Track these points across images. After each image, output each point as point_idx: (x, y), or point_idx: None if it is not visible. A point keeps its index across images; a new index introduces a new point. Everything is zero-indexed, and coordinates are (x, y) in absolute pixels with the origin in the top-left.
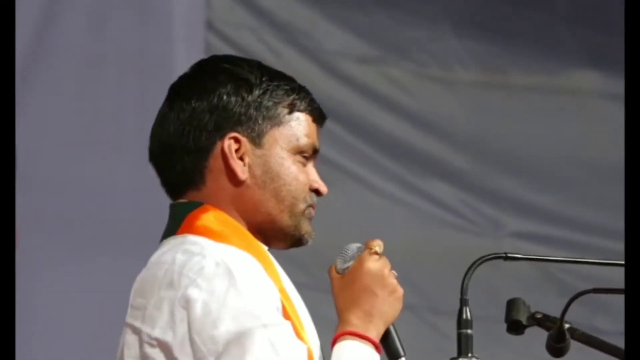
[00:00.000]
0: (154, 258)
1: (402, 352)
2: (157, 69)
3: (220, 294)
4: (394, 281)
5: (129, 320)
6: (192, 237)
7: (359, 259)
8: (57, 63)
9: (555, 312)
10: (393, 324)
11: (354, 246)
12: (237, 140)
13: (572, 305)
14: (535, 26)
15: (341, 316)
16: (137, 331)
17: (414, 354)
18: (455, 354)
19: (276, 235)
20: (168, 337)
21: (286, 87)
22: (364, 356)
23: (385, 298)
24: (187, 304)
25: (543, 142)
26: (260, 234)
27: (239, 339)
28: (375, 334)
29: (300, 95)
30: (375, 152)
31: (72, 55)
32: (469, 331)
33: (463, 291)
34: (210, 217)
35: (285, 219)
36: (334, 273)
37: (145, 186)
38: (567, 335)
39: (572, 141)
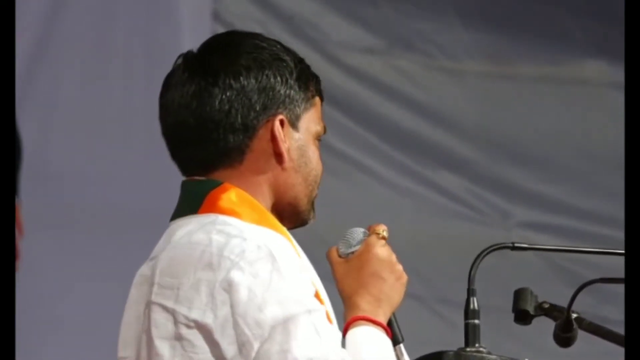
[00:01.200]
0: (179, 237)
1: (400, 338)
2: (164, 60)
3: (264, 278)
4: (400, 267)
5: (156, 298)
6: (223, 217)
7: (366, 243)
8: (64, 55)
9: (563, 302)
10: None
11: (359, 230)
12: (282, 123)
13: (580, 295)
14: (542, 17)
15: (349, 301)
16: (169, 311)
17: (421, 344)
18: (462, 344)
19: (290, 217)
20: (208, 320)
21: (309, 71)
22: (378, 341)
23: (393, 283)
24: (229, 286)
25: (551, 132)
26: (276, 214)
27: (285, 324)
28: (384, 319)
29: (317, 79)
30: (383, 142)
31: (79, 46)
32: (477, 321)
33: (470, 281)
34: (234, 197)
35: (304, 203)
36: (335, 257)
37: (153, 178)
38: (575, 325)
39: (579, 131)
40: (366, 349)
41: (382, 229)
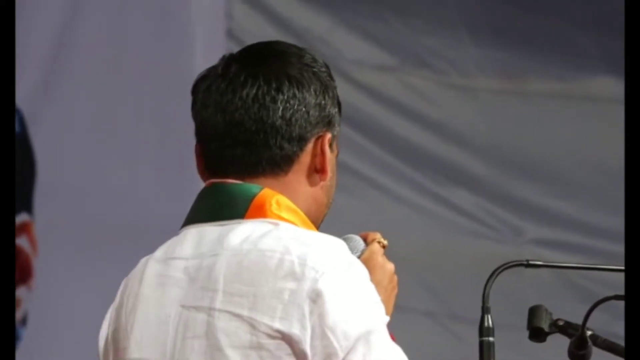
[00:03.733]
0: (238, 243)
1: None
2: (177, 77)
3: (351, 290)
4: (396, 278)
5: (223, 306)
6: (285, 225)
7: (370, 251)
8: (77, 72)
9: (577, 319)
10: None
11: (357, 237)
12: (329, 141)
13: (594, 312)
14: (553, 33)
15: None
16: (244, 319)
17: None
18: None
19: None
20: (295, 330)
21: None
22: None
23: (390, 294)
24: (317, 297)
25: (562, 148)
26: None
27: (367, 337)
28: None
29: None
30: (395, 159)
31: (92, 64)
32: (491, 339)
33: (485, 299)
34: (283, 204)
35: (318, 224)
36: None
37: (166, 193)
38: (589, 343)
39: (591, 147)
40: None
41: (381, 237)
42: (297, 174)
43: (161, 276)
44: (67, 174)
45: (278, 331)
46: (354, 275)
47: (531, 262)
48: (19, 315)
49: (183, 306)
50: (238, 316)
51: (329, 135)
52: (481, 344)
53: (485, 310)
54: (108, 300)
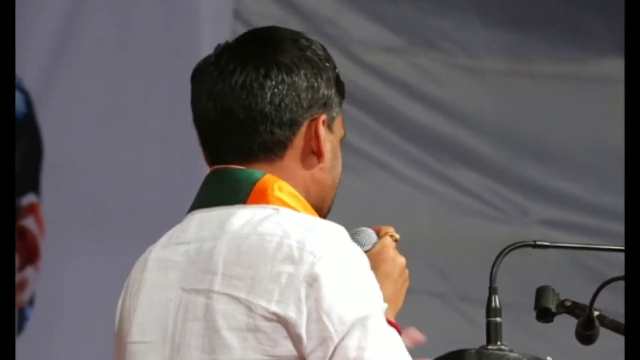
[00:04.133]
0: (238, 227)
1: None
2: (184, 58)
3: (348, 275)
4: (407, 271)
5: (222, 289)
6: (285, 210)
7: (382, 245)
8: (85, 53)
9: (584, 300)
10: None
11: (369, 231)
12: (324, 123)
13: (602, 293)
14: (562, 14)
15: None
16: (241, 301)
17: (443, 342)
18: (484, 342)
19: None
20: (291, 313)
21: (339, 76)
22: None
23: (401, 287)
24: (314, 281)
25: (571, 129)
26: None
27: (364, 321)
28: (393, 320)
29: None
30: (403, 140)
31: (100, 45)
32: (498, 319)
33: (492, 279)
34: (284, 189)
35: (326, 207)
36: None
37: (176, 175)
38: (597, 323)
39: (600, 129)
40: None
41: (393, 231)
42: (293, 158)
43: (163, 260)
44: (75, 155)
45: (274, 314)
46: (352, 261)
47: (538, 243)
48: (26, 296)
49: (183, 289)
50: (236, 299)
51: (323, 117)
52: (488, 324)
53: (492, 290)
54: (114, 281)
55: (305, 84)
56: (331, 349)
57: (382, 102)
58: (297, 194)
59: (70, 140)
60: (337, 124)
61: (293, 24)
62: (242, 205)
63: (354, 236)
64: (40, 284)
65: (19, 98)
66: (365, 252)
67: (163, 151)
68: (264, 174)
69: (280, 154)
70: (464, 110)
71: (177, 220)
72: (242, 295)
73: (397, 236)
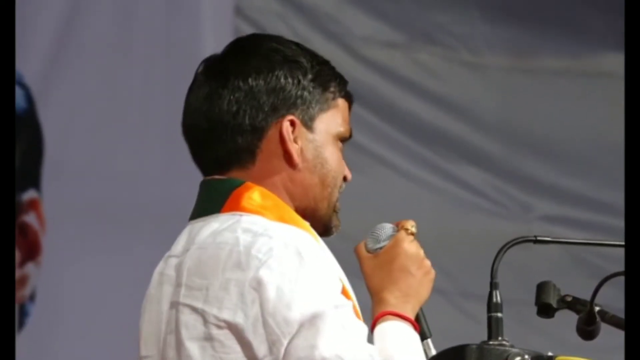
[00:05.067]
0: (204, 237)
1: (428, 333)
2: (185, 55)
3: (291, 276)
4: (428, 263)
5: (184, 300)
6: (247, 217)
7: (395, 239)
8: (86, 50)
9: (586, 295)
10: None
11: (388, 226)
12: (292, 123)
13: (603, 288)
14: (563, 9)
15: (377, 296)
16: (198, 312)
17: (444, 338)
18: (485, 338)
19: (312, 223)
20: (239, 319)
21: (330, 72)
22: (406, 336)
23: (421, 279)
24: (258, 285)
25: (572, 125)
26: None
27: (312, 321)
28: (412, 314)
29: (341, 81)
30: (404, 136)
31: (100, 41)
32: (499, 315)
33: (493, 274)
34: (257, 196)
35: (324, 206)
36: (363, 252)
37: (177, 172)
38: (598, 318)
39: (601, 124)
40: (394, 344)
41: (411, 225)
42: (266, 163)
43: (161, 274)
44: (76, 151)
45: (224, 321)
46: (297, 262)
47: (540, 238)
48: (27, 291)
49: (171, 302)
50: (195, 309)
51: (289, 118)
52: (489, 319)
53: (493, 286)
54: (114, 277)
55: (265, 87)
56: (282, 351)
57: (383, 98)
58: (274, 198)
59: (71, 135)
60: (327, 121)
61: (294, 20)
62: (216, 215)
63: (373, 233)
64: (41, 280)
65: (19, 93)
66: (382, 247)
67: (163, 148)
68: (242, 182)
69: (251, 161)
70: (465, 106)
71: (177, 216)
72: (199, 305)
73: (413, 230)
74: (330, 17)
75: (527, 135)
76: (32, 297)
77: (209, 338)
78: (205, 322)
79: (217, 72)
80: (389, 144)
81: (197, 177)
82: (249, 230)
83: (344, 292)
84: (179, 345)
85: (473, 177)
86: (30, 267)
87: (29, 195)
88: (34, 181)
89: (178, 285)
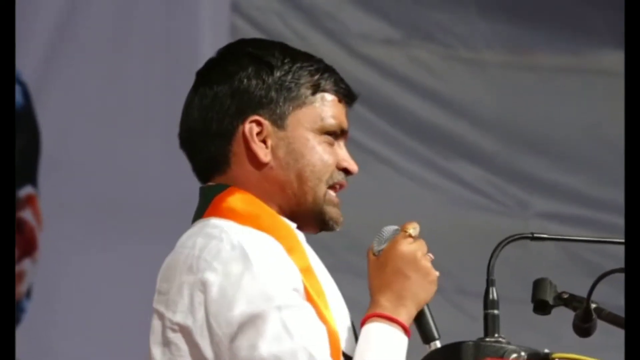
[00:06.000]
0: (179, 242)
1: (436, 335)
2: (183, 51)
3: (235, 277)
4: (427, 264)
5: (155, 305)
6: (214, 221)
7: (392, 241)
8: (84, 46)
9: (582, 292)
10: (428, 307)
11: (391, 228)
12: (259, 123)
13: (599, 285)
14: (561, 6)
15: (372, 298)
16: (161, 316)
17: (441, 335)
18: (482, 335)
19: (303, 219)
20: (189, 322)
21: (310, 68)
22: (391, 339)
23: (418, 281)
24: (204, 287)
25: (570, 122)
26: (290, 216)
27: (253, 321)
28: (406, 317)
29: (324, 75)
30: (402, 134)
31: (98, 37)
32: (496, 311)
33: (489, 271)
34: (236, 199)
35: (309, 200)
36: (370, 255)
37: (175, 169)
38: (594, 315)
39: (599, 122)
40: (374, 347)
41: (412, 227)
42: (240, 166)
43: None
44: (73, 147)
45: (177, 324)
46: (241, 264)
47: (536, 235)
48: (23, 288)
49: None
50: (159, 313)
51: (253, 118)
52: (486, 316)
53: (490, 282)
54: (111, 275)
55: (229, 91)
56: (225, 352)
57: (381, 96)
58: (254, 200)
59: (68, 132)
60: (302, 117)
61: (292, 17)
62: (199, 221)
63: (378, 234)
64: (38, 276)
65: (17, 90)
66: (381, 250)
67: (162, 144)
68: (226, 187)
69: (228, 165)
70: (464, 103)
71: (175, 213)
72: (162, 309)
73: (412, 232)
74: (329, 15)
75: (525, 133)
76: (28, 294)
77: (167, 342)
78: (164, 326)
79: (195, 81)
80: (386, 142)
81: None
82: (207, 235)
83: (306, 292)
84: (149, 350)
85: (470, 174)
86: (26, 264)
87: (25, 191)
88: (31, 177)
89: (155, 290)
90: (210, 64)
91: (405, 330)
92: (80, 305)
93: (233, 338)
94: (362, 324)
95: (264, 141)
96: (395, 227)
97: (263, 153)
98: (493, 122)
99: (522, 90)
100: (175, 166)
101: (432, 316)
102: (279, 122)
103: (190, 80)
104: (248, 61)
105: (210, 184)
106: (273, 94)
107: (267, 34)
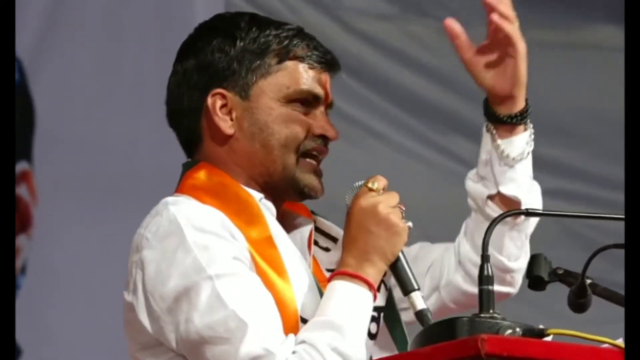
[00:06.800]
0: None
1: (415, 286)
2: (177, 27)
3: (169, 252)
4: (390, 216)
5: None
6: (167, 198)
7: (355, 197)
8: (78, 20)
9: (577, 268)
10: (405, 258)
11: (359, 184)
12: (222, 96)
13: (594, 261)
14: None
15: (341, 256)
16: (123, 297)
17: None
18: (476, 311)
19: (278, 188)
20: (134, 301)
21: (278, 36)
22: (350, 295)
23: (380, 234)
24: (142, 265)
25: (565, 97)
26: (265, 185)
27: (187, 294)
28: (373, 271)
29: (294, 42)
30: (396, 108)
31: (92, 13)
32: (491, 287)
33: (484, 247)
34: (199, 175)
35: (279, 170)
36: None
37: (166, 145)
38: (589, 291)
39: (594, 96)
40: (329, 304)
41: (373, 181)
42: (210, 140)
43: None
44: (67, 123)
45: (128, 303)
46: (176, 238)
47: (531, 211)
48: (18, 263)
49: None
50: (124, 294)
51: (214, 92)
52: (481, 292)
53: (484, 258)
54: (106, 250)
55: (195, 66)
56: (165, 327)
57: (376, 70)
58: (217, 174)
59: (62, 108)
60: (268, 87)
61: None
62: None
63: (348, 190)
64: (32, 252)
65: None
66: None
67: (156, 120)
68: (196, 162)
69: (200, 139)
70: (458, 78)
71: (169, 188)
72: (124, 291)
73: (373, 185)
74: None
75: None
76: (23, 270)
77: (127, 321)
78: (124, 305)
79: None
80: (381, 117)
81: None
82: (154, 212)
83: (254, 261)
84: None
85: (464, 150)
86: (21, 239)
87: (20, 167)
88: (26, 153)
89: None
90: (184, 42)
91: (370, 286)
92: (75, 281)
93: (170, 312)
94: (327, 282)
95: (229, 113)
96: (359, 183)
97: (226, 125)
98: None
99: None
100: (168, 142)
101: (410, 268)
102: (242, 93)
103: None
104: (214, 35)
105: (188, 160)
106: (235, 65)
107: (261, 8)
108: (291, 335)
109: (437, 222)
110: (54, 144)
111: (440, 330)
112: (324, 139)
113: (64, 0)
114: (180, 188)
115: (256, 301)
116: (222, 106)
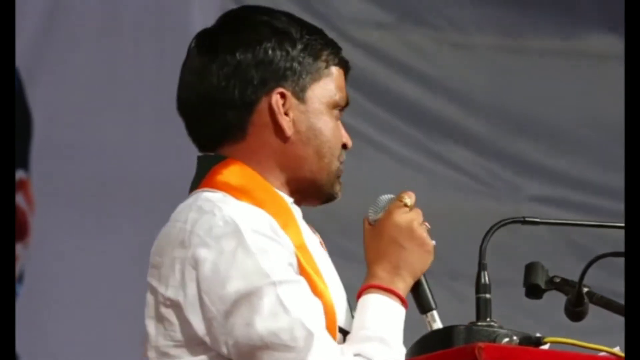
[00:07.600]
0: (174, 213)
1: (433, 305)
2: (173, 28)
3: (228, 253)
4: (423, 233)
5: (148, 278)
6: (206, 194)
7: (387, 210)
8: (74, 27)
9: (574, 276)
10: (425, 277)
11: (386, 197)
12: (283, 96)
13: (591, 269)
14: None
15: (369, 269)
16: (154, 291)
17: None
18: (473, 319)
19: (312, 193)
20: (180, 297)
21: (322, 41)
22: (388, 309)
23: (414, 250)
24: (196, 263)
25: (561, 105)
26: (297, 190)
27: (248, 298)
28: (403, 286)
29: (334, 49)
30: (393, 117)
31: (89, 19)
32: (488, 295)
33: (481, 255)
34: (231, 172)
35: (324, 177)
36: (366, 224)
37: (164, 148)
38: (586, 299)
39: (590, 104)
40: (370, 317)
41: (407, 196)
42: (257, 137)
43: None
44: (64, 131)
45: (169, 299)
46: (234, 240)
47: (528, 219)
48: (15, 272)
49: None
50: (151, 287)
51: (279, 90)
52: (478, 300)
53: (482, 266)
54: (103, 258)
55: (253, 61)
56: (219, 329)
57: (372, 79)
58: (250, 173)
59: (59, 116)
60: (320, 91)
61: (283, 0)
62: (195, 192)
63: (374, 204)
64: (30, 261)
65: None
66: (377, 219)
67: (154, 127)
68: (225, 158)
69: (242, 135)
70: (455, 87)
71: (167, 195)
72: (154, 283)
73: (407, 201)
74: None
75: (515, 116)
76: (20, 278)
77: (160, 316)
78: (157, 300)
79: (208, 46)
80: (377, 125)
81: (187, 154)
82: (200, 208)
83: (301, 267)
84: (144, 323)
85: (462, 158)
86: (18, 248)
87: (17, 175)
88: (23, 162)
89: (149, 263)
90: (224, 31)
91: (402, 301)
92: (72, 289)
93: (227, 315)
94: (359, 295)
95: (286, 114)
96: (391, 195)
97: (287, 126)
98: (484, 105)
99: (512, 74)
100: (167, 148)
101: (429, 286)
102: (300, 95)
103: (180, 60)
104: (269, 31)
105: (209, 154)
106: (296, 66)
107: None
108: (343, 347)
109: (434, 229)
110: (50, 152)
111: (437, 339)
112: (344, 147)
113: (59, 7)
114: (209, 183)
115: (313, 309)
116: (282, 106)
